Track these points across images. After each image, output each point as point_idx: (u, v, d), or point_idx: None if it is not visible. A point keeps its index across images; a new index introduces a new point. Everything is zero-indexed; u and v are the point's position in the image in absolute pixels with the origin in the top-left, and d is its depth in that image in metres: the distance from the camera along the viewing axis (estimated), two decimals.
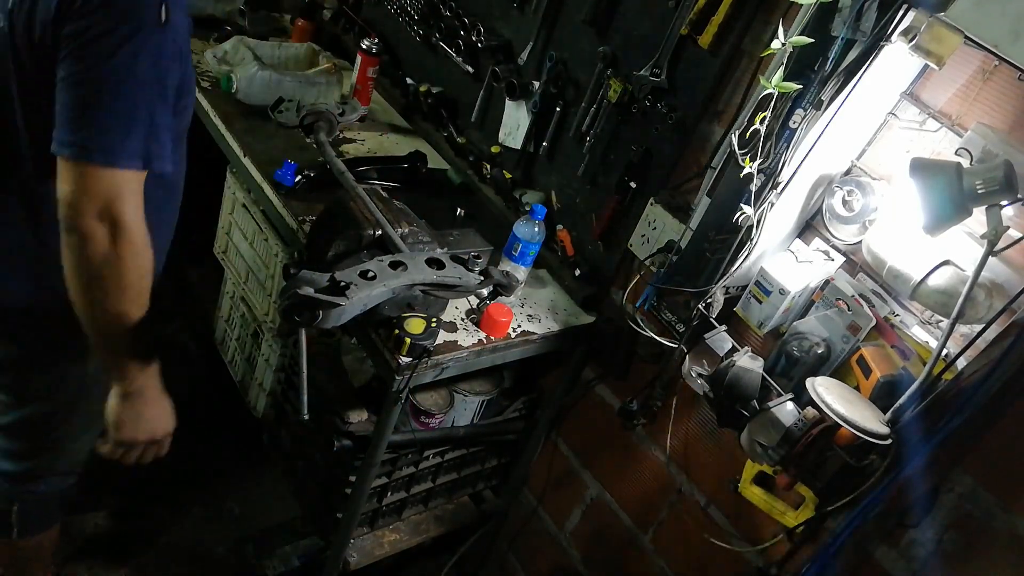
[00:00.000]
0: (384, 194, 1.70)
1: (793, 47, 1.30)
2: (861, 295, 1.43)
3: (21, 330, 1.42)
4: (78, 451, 1.63)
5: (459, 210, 2.09)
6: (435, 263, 1.42)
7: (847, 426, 1.26)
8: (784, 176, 1.41)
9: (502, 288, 1.53)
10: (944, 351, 1.25)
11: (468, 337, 1.69)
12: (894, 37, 1.24)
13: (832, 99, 1.33)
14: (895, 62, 1.32)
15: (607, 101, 1.82)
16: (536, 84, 2.01)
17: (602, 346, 1.95)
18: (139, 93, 1.13)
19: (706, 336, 1.59)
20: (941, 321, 1.37)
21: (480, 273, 1.47)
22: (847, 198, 1.46)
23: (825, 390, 1.32)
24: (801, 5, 1.31)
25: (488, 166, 2.16)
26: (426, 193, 2.12)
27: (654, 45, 1.70)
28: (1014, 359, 1.22)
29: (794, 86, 1.32)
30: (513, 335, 1.76)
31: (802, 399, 1.40)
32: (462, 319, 1.73)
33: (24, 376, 1.47)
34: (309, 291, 1.25)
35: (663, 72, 1.70)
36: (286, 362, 2.18)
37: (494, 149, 2.18)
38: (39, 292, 1.34)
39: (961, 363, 1.29)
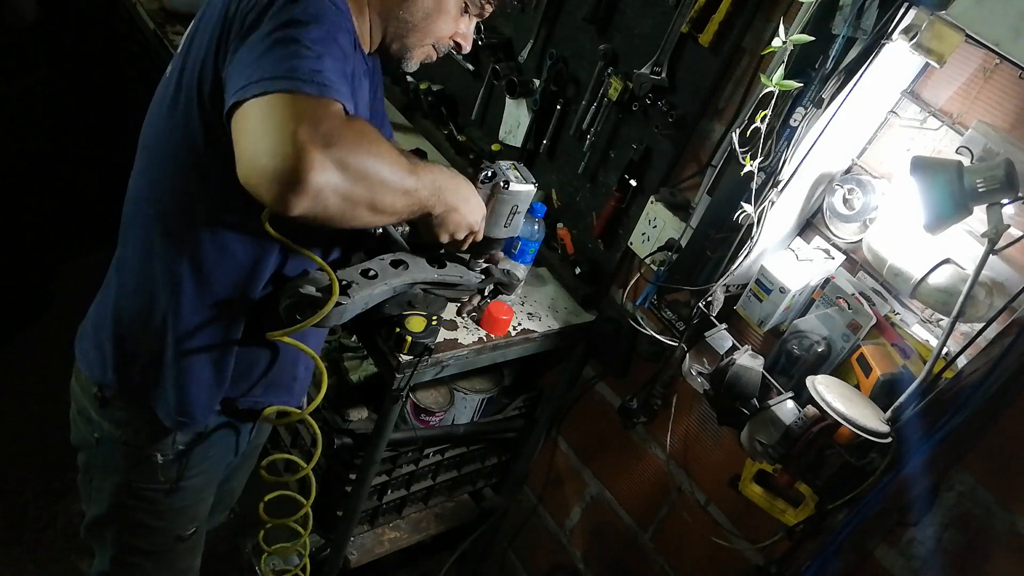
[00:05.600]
0: None
1: (794, 45, 1.30)
2: (861, 293, 1.43)
3: None
4: None
5: None
6: (436, 262, 1.41)
7: (847, 424, 1.26)
8: (785, 174, 1.41)
9: (503, 286, 1.53)
10: (944, 349, 1.25)
11: (468, 335, 1.69)
12: (895, 35, 1.24)
13: (833, 97, 1.32)
14: (896, 60, 1.31)
15: (607, 99, 1.82)
16: (536, 82, 2.00)
17: (602, 344, 1.95)
18: None
19: (706, 334, 1.59)
20: (941, 319, 1.37)
21: (481, 271, 1.47)
22: (848, 196, 1.46)
23: (825, 388, 1.32)
24: (802, 3, 1.31)
25: None
26: None
27: (655, 43, 1.70)
28: (1014, 357, 1.22)
29: (795, 84, 1.32)
30: (513, 333, 1.76)
31: (802, 397, 1.40)
32: (463, 317, 1.73)
33: None
34: (310, 290, 1.24)
35: (663, 70, 1.70)
36: None
37: (495, 147, 2.18)
38: None
39: (961, 361, 1.29)
